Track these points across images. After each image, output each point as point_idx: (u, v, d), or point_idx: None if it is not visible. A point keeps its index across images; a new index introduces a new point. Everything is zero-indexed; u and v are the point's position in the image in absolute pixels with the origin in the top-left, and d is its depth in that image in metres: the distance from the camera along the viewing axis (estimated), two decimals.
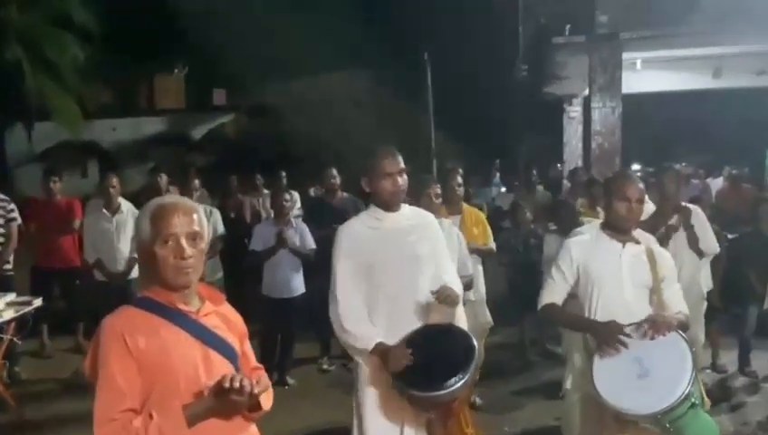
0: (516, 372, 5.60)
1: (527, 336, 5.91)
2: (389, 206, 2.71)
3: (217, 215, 5.62)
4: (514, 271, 5.91)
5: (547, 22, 10.51)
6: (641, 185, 2.87)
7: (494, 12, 12.29)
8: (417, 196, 4.00)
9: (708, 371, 5.34)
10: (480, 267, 4.69)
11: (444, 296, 2.59)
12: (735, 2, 8.04)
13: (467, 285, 3.92)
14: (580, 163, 11.63)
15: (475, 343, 2.51)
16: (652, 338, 2.53)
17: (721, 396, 4.92)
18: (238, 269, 5.96)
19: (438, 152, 14.77)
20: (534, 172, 8.61)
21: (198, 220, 1.72)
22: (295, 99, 18.07)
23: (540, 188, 8.98)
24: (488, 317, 4.62)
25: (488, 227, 4.86)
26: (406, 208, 2.81)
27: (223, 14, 19.14)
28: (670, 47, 9.43)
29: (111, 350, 1.60)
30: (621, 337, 2.56)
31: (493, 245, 4.86)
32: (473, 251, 4.42)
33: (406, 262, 2.69)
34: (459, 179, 4.69)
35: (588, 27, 8.41)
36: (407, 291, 2.67)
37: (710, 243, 4.34)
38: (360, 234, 2.74)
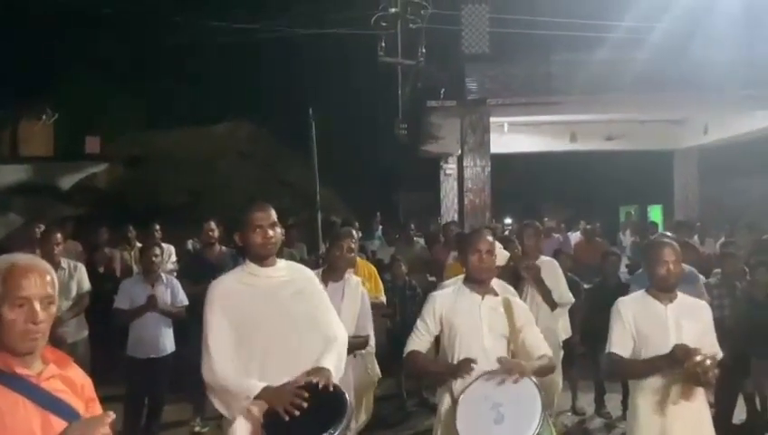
0: (396, 422, 5.69)
1: (405, 387, 6.03)
2: (261, 259, 2.71)
3: (82, 270, 5.30)
4: (393, 323, 6.06)
5: (424, 86, 11.19)
6: (490, 238, 3.13)
7: (377, 74, 12.92)
8: (331, 248, 4.02)
9: (569, 413, 5.73)
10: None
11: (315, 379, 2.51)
12: (587, 76, 9.04)
13: (362, 344, 3.95)
14: (456, 217, 12.24)
15: (349, 398, 2.53)
16: (515, 381, 2.72)
17: None
18: (106, 327, 5.61)
19: (323, 205, 14.90)
20: (412, 226, 8.97)
21: (52, 282, 1.66)
22: (176, 148, 17.58)
23: (420, 241, 9.33)
24: (377, 370, 4.69)
25: (379, 281, 4.98)
26: (282, 263, 2.82)
27: (100, 58, 18.43)
28: (532, 114, 10.39)
29: None
30: (471, 366, 2.80)
31: (383, 298, 4.96)
32: None
33: (278, 319, 2.65)
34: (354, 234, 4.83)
35: (459, 93, 9.06)
36: (279, 349, 2.62)
37: (563, 294, 4.74)
38: (233, 289, 2.71)
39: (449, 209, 13.60)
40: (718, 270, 5.54)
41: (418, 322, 3.14)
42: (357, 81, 16.21)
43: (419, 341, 3.09)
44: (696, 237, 8.35)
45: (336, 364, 2.66)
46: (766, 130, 11.14)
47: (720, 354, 3.01)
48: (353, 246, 4.00)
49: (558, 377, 4.68)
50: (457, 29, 9.10)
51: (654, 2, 8.79)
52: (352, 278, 4.03)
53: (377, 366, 4.65)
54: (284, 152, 17.98)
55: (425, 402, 5.92)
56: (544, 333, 4.49)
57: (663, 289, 3.06)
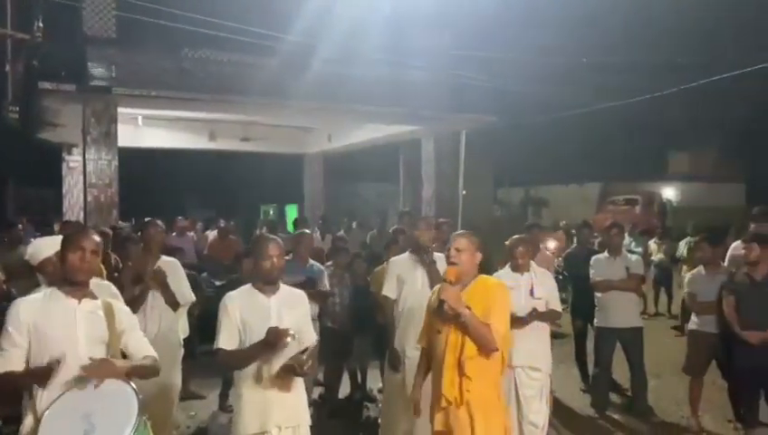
0: None
1: None
2: None
3: None
4: None
5: (41, 65, 9.76)
6: (96, 237, 2.87)
7: None
8: None
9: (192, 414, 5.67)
10: None
11: None
12: (221, 76, 9.14)
13: None
14: (82, 216, 11.03)
15: None
16: (96, 386, 2.54)
17: None
18: None
19: None
20: (20, 226, 7.71)
21: None
22: None
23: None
24: None
25: None
26: None
27: None
28: (167, 108, 10.00)
29: None
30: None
31: None
32: None
33: None
34: None
35: (81, 77, 8.16)
36: None
37: (185, 293, 4.68)
38: None
39: (74, 206, 12.20)
40: (331, 262, 6.20)
41: (3, 336, 2.68)
42: None
43: (7, 359, 2.64)
44: (317, 233, 9.22)
45: None
46: (373, 141, 13.05)
47: (315, 340, 3.34)
48: None
49: (177, 377, 4.58)
50: (79, 6, 8.19)
51: (295, 17, 9.30)
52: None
53: None
54: None
55: None
56: (167, 333, 4.45)
57: (268, 281, 3.24)
